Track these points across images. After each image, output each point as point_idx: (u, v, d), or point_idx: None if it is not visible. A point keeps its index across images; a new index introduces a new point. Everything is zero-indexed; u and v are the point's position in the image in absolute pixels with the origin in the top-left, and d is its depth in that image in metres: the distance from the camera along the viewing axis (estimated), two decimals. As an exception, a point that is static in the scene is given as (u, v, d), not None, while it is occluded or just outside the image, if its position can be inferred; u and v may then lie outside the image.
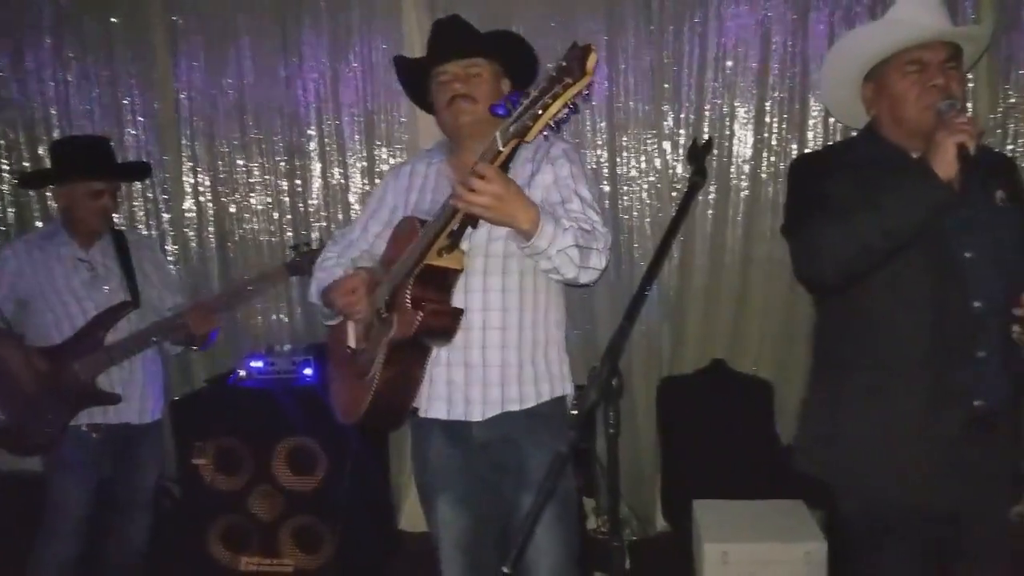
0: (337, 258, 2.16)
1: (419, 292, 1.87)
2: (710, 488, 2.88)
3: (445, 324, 1.92)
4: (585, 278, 1.88)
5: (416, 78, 2.12)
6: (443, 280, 1.90)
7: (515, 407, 1.98)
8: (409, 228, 1.93)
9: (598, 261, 1.89)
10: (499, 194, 1.69)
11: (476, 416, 1.97)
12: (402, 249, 1.92)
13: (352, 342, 2.08)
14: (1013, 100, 2.92)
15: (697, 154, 1.65)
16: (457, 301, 1.93)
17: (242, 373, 3.09)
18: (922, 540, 1.82)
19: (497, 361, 1.96)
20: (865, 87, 1.88)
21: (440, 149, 2.12)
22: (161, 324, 2.73)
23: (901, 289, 1.77)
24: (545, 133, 1.59)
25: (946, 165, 1.61)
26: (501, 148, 1.66)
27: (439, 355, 1.98)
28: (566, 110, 1.56)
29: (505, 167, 1.73)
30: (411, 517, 3.44)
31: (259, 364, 3.09)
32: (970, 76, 2.86)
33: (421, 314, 1.85)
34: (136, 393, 2.76)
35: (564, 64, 1.53)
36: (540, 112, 1.55)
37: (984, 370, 1.75)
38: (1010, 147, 2.93)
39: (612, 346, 1.34)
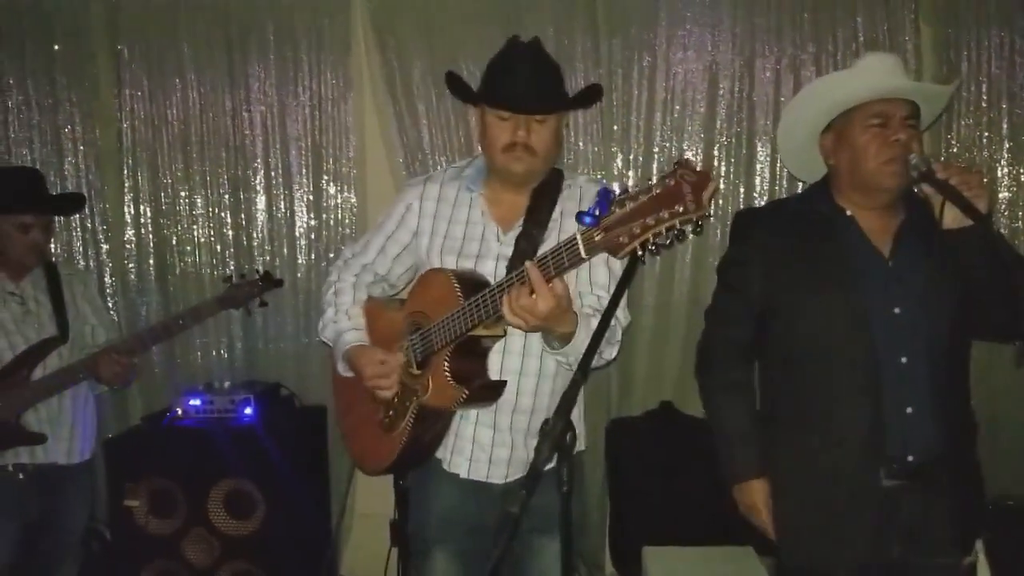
0: (353, 289, 2.06)
1: (459, 364, 1.80)
2: (659, 533, 2.85)
3: (489, 396, 1.87)
4: None
5: (468, 92, 1.97)
6: (482, 347, 1.84)
7: None
8: (444, 287, 1.81)
9: (609, 355, 1.89)
10: (550, 316, 1.59)
11: (498, 479, 1.94)
12: (431, 305, 1.84)
13: None
14: (955, 149, 2.97)
15: None
16: (493, 362, 1.88)
17: (179, 411, 3.00)
18: None
19: (524, 426, 1.93)
20: (825, 137, 1.90)
21: (477, 174, 1.97)
22: (85, 362, 2.64)
23: (831, 349, 1.81)
24: (640, 253, 1.42)
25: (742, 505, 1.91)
26: (585, 257, 1.51)
27: (469, 412, 1.93)
28: (671, 235, 1.38)
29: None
30: (352, 563, 3.35)
31: (197, 402, 3.01)
32: (912, 126, 2.95)
33: (467, 392, 1.79)
34: (64, 432, 2.68)
35: (673, 184, 1.36)
36: (638, 231, 1.38)
37: (914, 425, 1.77)
38: (951, 195, 2.98)
39: (565, 399, 1.30)
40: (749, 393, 1.96)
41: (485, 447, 1.93)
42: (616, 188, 1.47)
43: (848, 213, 1.85)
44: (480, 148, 1.98)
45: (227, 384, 3.16)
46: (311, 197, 3.28)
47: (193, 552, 2.92)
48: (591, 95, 1.99)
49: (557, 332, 1.69)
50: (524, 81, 1.82)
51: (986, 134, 2.95)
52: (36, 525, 2.65)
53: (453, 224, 1.96)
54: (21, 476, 2.59)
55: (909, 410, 1.76)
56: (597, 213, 1.44)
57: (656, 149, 3.08)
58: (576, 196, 1.94)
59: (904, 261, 1.80)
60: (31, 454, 2.60)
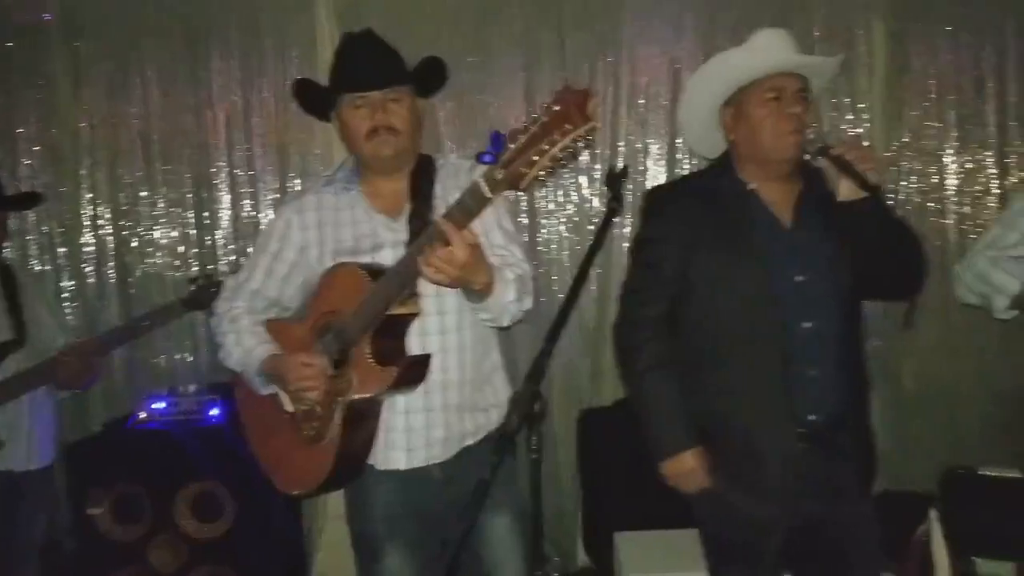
0: (248, 314, 2.01)
1: (381, 347, 1.79)
2: (631, 519, 2.88)
3: (418, 374, 1.86)
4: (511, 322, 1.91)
5: (320, 96, 2.00)
6: (400, 328, 1.83)
7: (471, 440, 1.97)
8: (352, 280, 1.81)
9: (527, 304, 1.91)
10: (468, 263, 1.62)
11: (438, 458, 1.94)
12: (340, 300, 1.82)
13: (290, 407, 1.96)
14: (906, 139, 3.10)
15: (614, 181, 1.68)
16: (414, 346, 1.87)
17: (143, 415, 2.93)
18: (777, 553, 1.92)
19: (455, 400, 1.94)
20: (724, 112, 1.98)
21: (349, 175, 1.99)
22: (41, 367, 2.56)
23: (742, 319, 1.89)
24: (542, 179, 1.51)
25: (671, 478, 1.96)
26: (489, 196, 1.56)
27: (396, 402, 1.91)
28: (566, 155, 1.48)
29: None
30: (324, 566, 3.29)
31: (161, 405, 2.95)
32: (865, 116, 3.06)
33: (397, 369, 1.77)
34: (22, 436, 2.59)
35: (559, 108, 1.46)
36: (536, 158, 1.47)
37: (817, 387, 1.87)
38: (903, 183, 3.11)
39: (534, 369, 1.35)
40: (674, 368, 1.99)
41: (420, 432, 1.92)
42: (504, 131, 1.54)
43: (751, 187, 1.94)
44: (348, 150, 2.00)
45: (192, 387, 3.10)
46: (277, 196, 3.25)
47: (160, 558, 2.84)
48: (434, 68, 2.01)
49: (477, 283, 1.71)
50: (365, 63, 1.89)
51: (935, 124, 3.09)
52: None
53: (339, 227, 1.95)
54: (-24, 483, 2.51)
55: (813, 373, 1.86)
56: (494, 152, 1.51)
57: (622, 143, 3.15)
58: (452, 172, 1.99)
59: (804, 231, 1.90)
60: (-13, 460, 2.52)
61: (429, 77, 2.01)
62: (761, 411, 1.87)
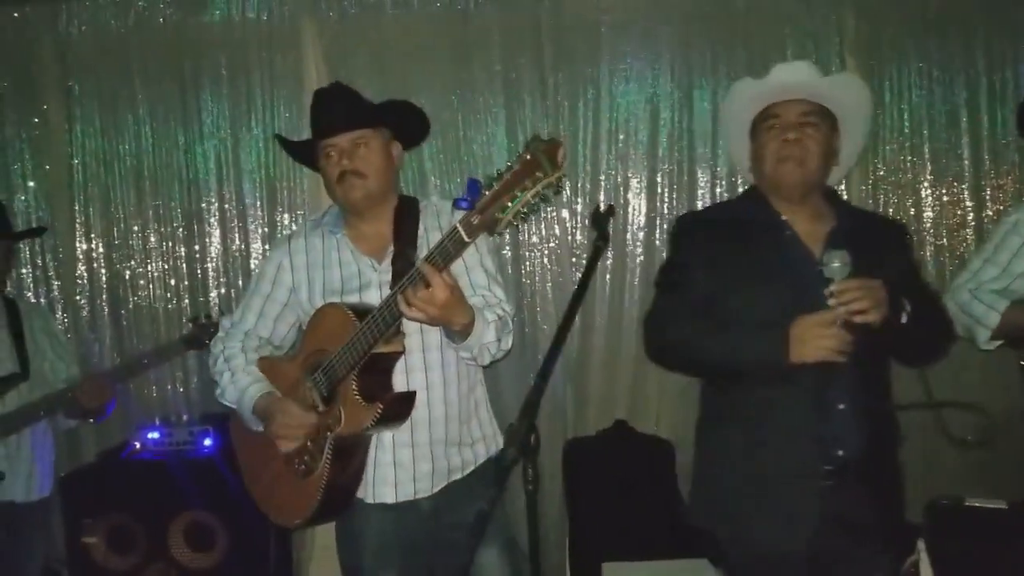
0: (243, 353, 2.08)
1: (367, 383, 1.85)
2: (617, 549, 2.92)
3: (402, 410, 1.92)
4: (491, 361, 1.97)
5: (304, 149, 2.10)
6: (385, 365, 1.90)
7: (458, 475, 2.03)
8: (339, 320, 1.88)
9: (506, 344, 1.98)
10: (447, 303, 1.70)
11: (425, 493, 2.00)
12: (328, 338, 1.89)
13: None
14: (882, 172, 3.16)
15: (599, 220, 1.72)
16: (399, 383, 1.93)
17: (137, 445, 3.00)
18: None
19: (441, 435, 2.00)
20: (752, 146, 2.00)
21: (335, 219, 2.08)
22: (50, 398, 2.63)
23: None
24: (515, 223, 1.60)
25: (798, 355, 1.76)
26: (467, 240, 1.65)
27: (382, 438, 1.97)
28: (537, 201, 1.58)
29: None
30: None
31: (155, 435, 3.01)
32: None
33: (381, 406, 1.84)
34: (23, 468, 2.65)
35: (530, 157, 1.55)
36: (509, 204, 1.56)
37: (843, 422, 1.85)
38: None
39: (528, 403, 1.38)
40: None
41: (407, 466, 1.98)
42: (480, 178, 1.63)
43: (783, 218, 1.93)
44: (329, 196, 2.08)
45: (185, 417, 3.16)
46: (266, 229, 3.31)
47: (153, 588, 2.91)
48: (401, 109, 2.08)
49: (457, 324, 1.78)
50: (328, 111, 1.98)
51: (910, 158, 3.14)
52: (-8, 565, 2.61)
53: (327, 269, 2.03)
54: (-24, 515, 2.55)
55: (841, 407, 1.84)
56: (470, 199, 1.61)
57: (602, 177, 3.20)
58: (434, 212, 2.06)
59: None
60: (-12, 492, 2.57)
61: (398, 117, 2.07)
62: (791, 441, 1.84)
